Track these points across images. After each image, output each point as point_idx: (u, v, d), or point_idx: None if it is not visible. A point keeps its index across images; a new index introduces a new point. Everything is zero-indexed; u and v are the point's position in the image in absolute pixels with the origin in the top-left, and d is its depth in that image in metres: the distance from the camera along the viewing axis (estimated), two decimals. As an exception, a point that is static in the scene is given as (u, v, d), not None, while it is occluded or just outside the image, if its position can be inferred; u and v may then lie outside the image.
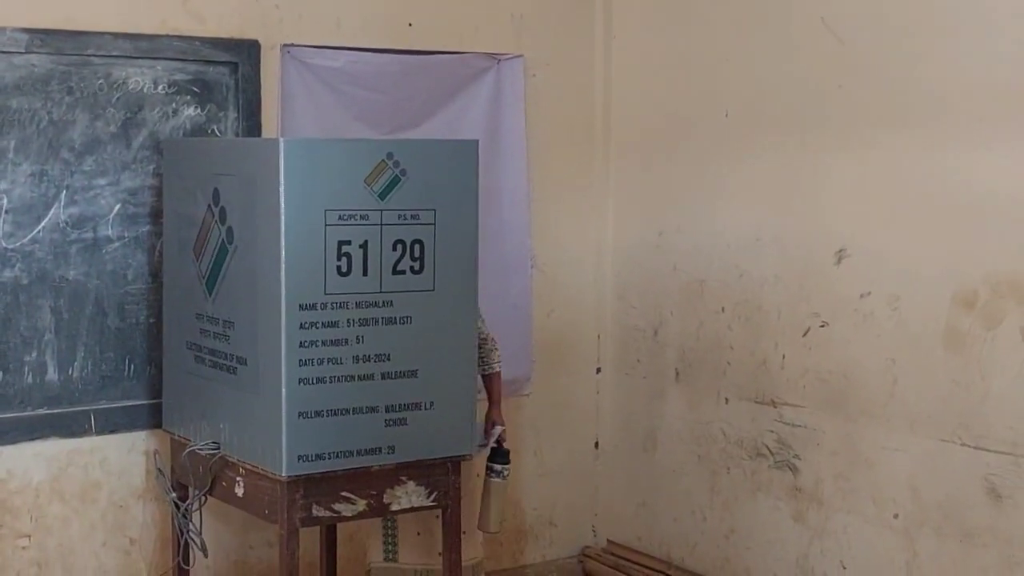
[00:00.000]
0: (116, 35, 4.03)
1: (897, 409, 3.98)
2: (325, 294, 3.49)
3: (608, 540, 5.08)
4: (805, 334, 4.26)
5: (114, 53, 4.04)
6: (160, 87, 4.14)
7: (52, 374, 4.04)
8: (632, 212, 4.91)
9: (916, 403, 3.92)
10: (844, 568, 4.15)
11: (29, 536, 4.04)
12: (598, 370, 5.05)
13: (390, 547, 4.04)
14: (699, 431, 4.65)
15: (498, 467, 3.92)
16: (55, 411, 4.05)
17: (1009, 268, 3.67)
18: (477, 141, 3.80)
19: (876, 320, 4.03)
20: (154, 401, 4.14)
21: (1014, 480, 3.67)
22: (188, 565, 3.97)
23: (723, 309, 4.54)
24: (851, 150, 4.09)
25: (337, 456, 3.53)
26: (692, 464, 4.67)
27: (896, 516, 3.98)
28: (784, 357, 4.34)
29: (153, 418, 4.14)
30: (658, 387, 4.81)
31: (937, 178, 3.84)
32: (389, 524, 4.01)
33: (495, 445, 3.94)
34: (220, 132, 4.25)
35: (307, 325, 3.47)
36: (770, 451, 4.41)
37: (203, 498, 3.85)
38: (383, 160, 3.55)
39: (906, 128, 3.93)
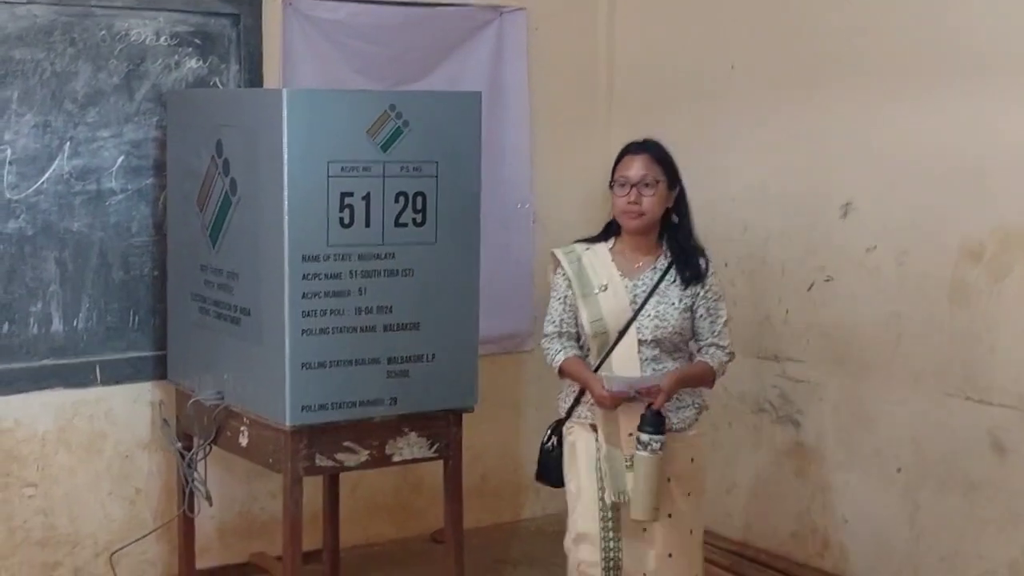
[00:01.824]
0: (118, -15, 4.03)
1: (901, 364, 3.97)
2: (328, 246, 3.49)
3: (612, 494, 5.09)
4: (809, 289, 4.26)
5: (116, 4, 4.03)
6: (162, 39, 4.13)
7: (57, 325, 4.06)
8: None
9: (921, 357, 3.92)
10: (846, 522, 4.17)
11: (35, 485, 4.07)
12: (603, 325, 5.04)
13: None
14: (703, 386, 4.65)
15: (645, 438, 3.27)
16: (61, 362, 4.07)
17: (1017, 221, 3.65)
18: (480, 93, 3.79)
19: (882, 274, 4.02)
20: (159, 353, 4.16)
21: (1019, 434, 3.67)
22: (193, 514, 4.00)
23: (726, 264, 4.52)
24: (857, 103, 4.07)
25: (340, 407, 3.54)
26: (695, 418, 4.68)
27: (899, 470, 3.99)
28: (788, 312, 4.34)
29: (158, 369, 4.16)
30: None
31: (945, 131, 3.82)
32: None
33: (645, 411, 3.28)
34: (222, 84, 4.24)
35: (310, 276, 3.48)
36: (773, 406, 4.41)
37: (208, 448, 3.87)
38: (385, 111, 3.54)
39: (913, 81, 3.90)
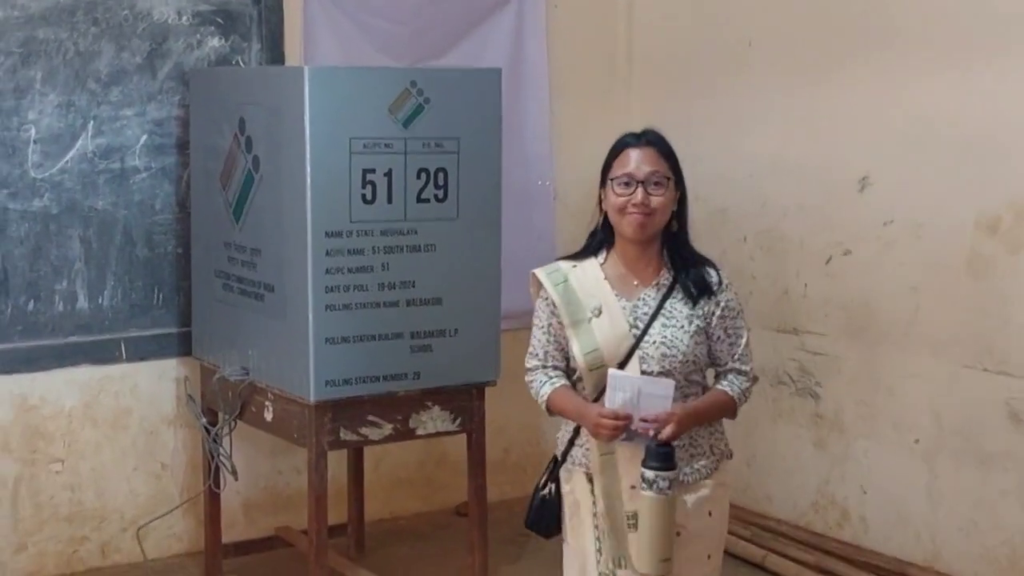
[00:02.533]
0: (140, -35, 4.06)
1: (919, 336, 4.00)
2: (351, 222, 3.53)
3: (631, 468, 5.13)
4: (828, 262, 4.28)
5: (138, -17, 4.07)
6: (184, 18, 4.16)
7: (83, 302, 4.11)
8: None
9: (938, 329, 3.94)
10: (865, 493, 4.20)
11: (62, 461, 4.13)
12: (621, 300, 5.07)
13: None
14: (721, 360, 4.69)
15: (650, 475, 2.66)
16: (86, 339, 4.12)
17: (1033, 193, 3.68)
18: (500, 70, 3.81)
19: (899, 248, 4.04)
20: (183, 329, 4.20)
21: (1035, 404, 3.70)
22: (219, 489, 4.05)
23: (745, 238, 4.56)
24: (875, 79, 4.08)
25: (363, 381, 3.58)
26: (714, 392, 4.72)
27: (917, 441, 4.02)
28: (806, 286, 4.36)
29: (182, 346, 4.21)
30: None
31: (960, 105, 3.83)
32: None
33: (650, 440, 2.67)
34: (244, 63, 4.27)
35: (333, 252, 3.51)
36: (792, 379, 4.44)
37: (233, 423, 3.92)
38: (407, 88, 3.57)
39: (930, 56, 3.91)
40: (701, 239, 4.62)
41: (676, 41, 4.81)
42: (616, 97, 4.98)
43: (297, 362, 3.56)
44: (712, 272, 2.89)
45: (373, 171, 3.55)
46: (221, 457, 3.97)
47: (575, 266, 2.91)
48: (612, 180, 2.84)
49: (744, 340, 2.89)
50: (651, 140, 2.88)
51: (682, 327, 2.81)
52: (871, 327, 4.15)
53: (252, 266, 3.75)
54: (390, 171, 3.56)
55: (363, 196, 3.54)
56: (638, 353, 2.79)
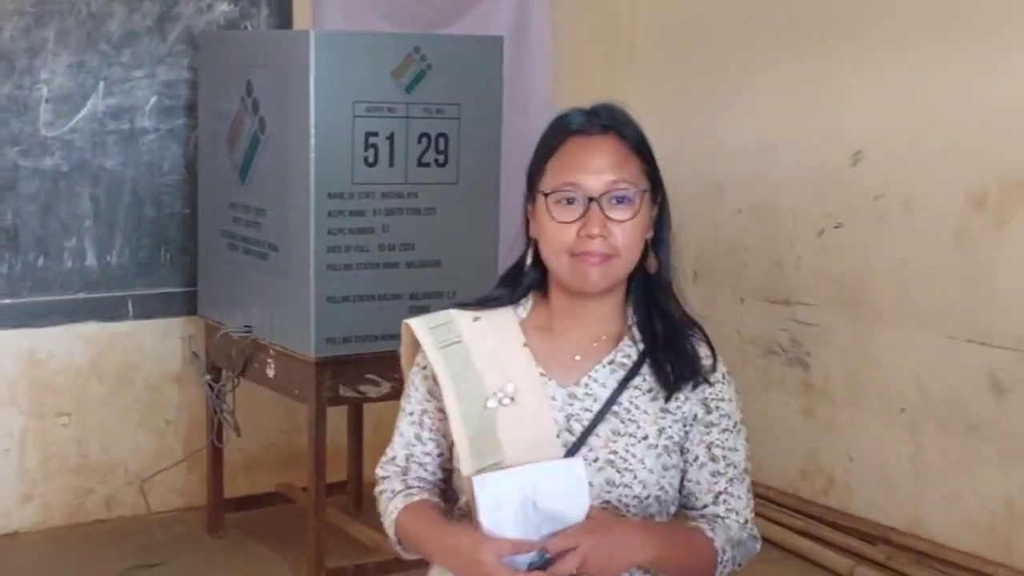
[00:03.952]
0: (151, -72, 4.14)
1: (907, 307, 4.09)
2: (352, 183, 3.62)
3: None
4: (820, 235, 4.37)
5: (150, -53, 4.16)
6: (195, -18, 4.26)
7: (91, 260, 4.21)
8: (653, 115, 4.96)
9: (926, 301, 4.03)
10: (851, 461, 4.30)
11: (70, 414, 4.23)
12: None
13: None
14: (714, 330, 4.71)
15: None
16: (94, 295, 4.22)
17: (1019, 169, 3.75)
18: (501, 37, 3.90)
19: (889, 221, 4.13)
20: (189, 289, 4.30)
21: (1017, 374, 3.78)
22: (222, 444, 4.16)
23: (740, 211, 4.64)
24: (870, 55, 4.16)
25: (363, 340, 3.68)
26: (707, 361, 4.81)
27: (902, 410, 4.11)
28: (799, 258, 4.45)
29: (188, 305, 4.30)
30: (676, 287, 4.91)
31: (952, 81, 3.91)
32: None
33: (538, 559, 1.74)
34: (252, 27, 4.35)
35: (335, 213, 3.60)
36: (783, 349, 4.53)
37: (236, 380, 4.02)
38: (410, 54, 3.65)
39: (922, 32, 3.98)
40: (697, 211, 4.80)
41: (678, 14, 4.89)
42: (618, 69, 5.05)
43: (299, 320, 3.66)
44: (703, 347, 1.90)
45: (376, 134, 3.63)
46: (224, 413, 4.08)
47: (477, 319, 1.88)
48: (547, 194, 1.80)
49: (741, 465, 1.90)
50: (609, 123, 1.84)
51: (645, 437, 1.81)
52: (861, 299, 4.24)
53: (257, 226, 3.85)
54: (392, 135, 3.65)
55: (365, 159, 3.63)
56: None
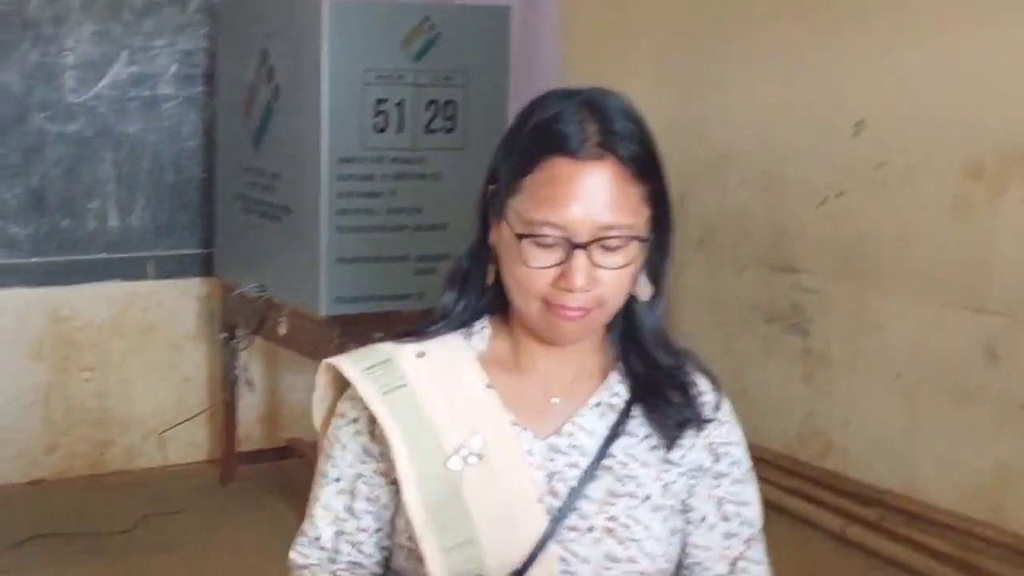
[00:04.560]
0: None
1: (905, 275, 4.17)
2: (362, 149, 3.73)
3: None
4: (822, 203, 4.45)
5: (172, -83, 4.29)
6: (214, -48, 4.38)
7: (113, 222, 4.36)
8: (660, 84, 5.07)
9: (923, 269, 4.11)
10: (848, 425, 4.39)
11: (92, 370, 4.40)
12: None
13: None
14: (717, 297, 4.88)
15: None
16: (116, 256, 4.38)
17: (1015, 141, 3.82)
18: (509, 8, 3.99)
19: (890, 190, 4.21)
20: (206, 251, 4.44)
21: (1011, 341, 3.86)
22: (236, 399, 4.31)
23: (744, 180, 4.73)
24: (872, 24, 4.22)
25: (371, 299, 3.80)
26: (709, 329, 4.89)
27: (898, 376, 4.20)
28: (802, 226, 4.54)
29: (205, 266, 4.45)
30: (680, 256, 4.95)
31: (952, 52, 3.98)
32: None
33: None
34: (269, -2, 4.48)
35: (345, 177, 3.72)
36: (784, 316, 4.63)
37: (250, 338, 4.17)
38: (420, 23, 3.76)
39: (925, 2, 4.05)
40: (703, 180, 4.89)
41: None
42: (624, 39, 5.12)
43: (310, 279, 3.79)
44: (702, 378, 1.57)
45: (385, 101, 3.75)
46: (239, 370, 4.22)
47: (422, 355, 1.50)
48: (520, 222, 1.43)
49: (756, 527, 1.56)
50: (606, 142, 1.45)
51: (648, 497, 1.48)
52: (861, 266, 4.33)
53: (271, 189, 3.98)
54: (401, 102, 3.76)
55: (375, 125, 3.75)
56: (555, 553, 1.43)
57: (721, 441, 1.54)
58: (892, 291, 4.22)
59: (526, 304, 1.45)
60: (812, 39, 4.45)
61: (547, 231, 1.41)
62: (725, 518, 1.52)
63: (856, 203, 4.33)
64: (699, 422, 1.52)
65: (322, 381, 1.57)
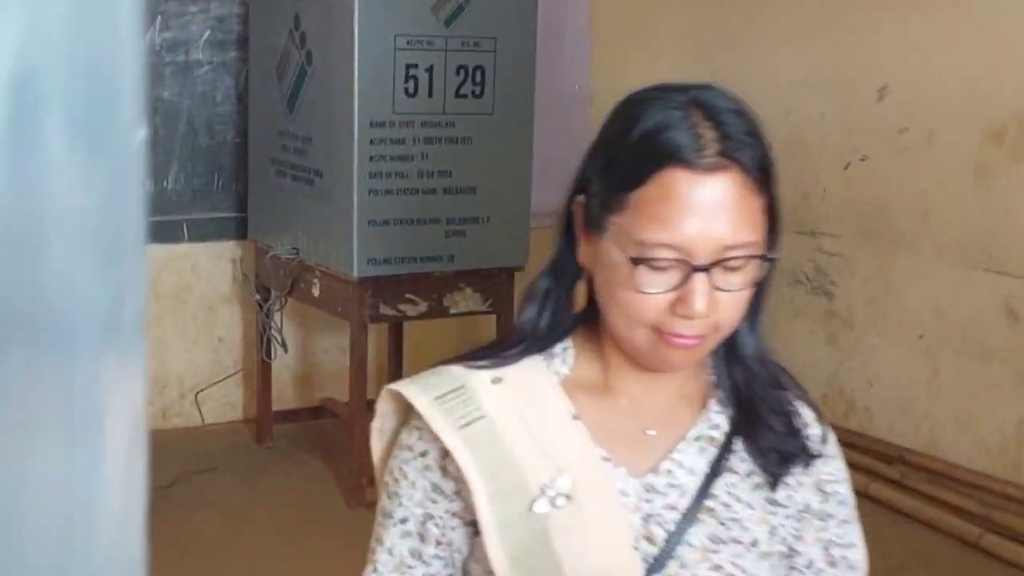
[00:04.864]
0: None
1: (928, 238, 4.23)
2: (393, 113, 3.81)
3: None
4: (846, 168, 4.51)
5: None
6: (246, -80, 4.45)
7: (150, 185, 4.45)
8: (687, 53, 5.13)
9: (945, 232, 4.17)
10: (871, 385, 4.47)
11: (129, 331, 4.50)
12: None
13: None
14: (744, 260, 4.94)
15: None
16: (152, 219, 4.46)
17: (1037, 104, 3.88)
18: (537, -26, 4.06)
19: (912, 154, 4.26)
20: (240, 214, 4.54)
21: (1030, 303, 3.93)
22: (270, 360, 4.41)
23: (770, 145, 4.78)
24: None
25: (402, 261, 3.89)
26: (736, 291, 4.98)
27: (921, 337, 4.27)
28: (825, 190, 4.60)
29: (239, 230, 4.54)
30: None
31: (974, 18, 4.02)
32: None
33: None
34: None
35: (377, 141, 3.80)
36: (808, 278, 4.70)
37: (284, 299, 4.26)
38: (449, -12, 3.83)
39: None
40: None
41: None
42: (652, 7, 5.18)
43: (342, 241, 3.88)
44: (806, 408, 1.39)
45: (416, 66, 3.83)
46: (273, 331, 4.32)
47: (498, 380, 1.32)
48: (631, 243, 1.24)
49: (860, 568, 1.40)
50: (729, 150, 1.28)
51: (754, 543, 1.33)
52: (884, 230, 4.39)
53: (304, 153, 4.06)
54: (431, 67, 3.84)
55: (406, 90, 3.82)
56: None
57: (829, 479, 1.37)
58: (914, 254, 4.28)
59: (632, 331, 1.26)
60: (837, 7, 4.50)
61: (663, 253, 1.22)
62: (832, 563, 1.36)
63: (879, 168, 4.39)
64: (807, 457, 1.34)
65: (384, 409, 1.39)
